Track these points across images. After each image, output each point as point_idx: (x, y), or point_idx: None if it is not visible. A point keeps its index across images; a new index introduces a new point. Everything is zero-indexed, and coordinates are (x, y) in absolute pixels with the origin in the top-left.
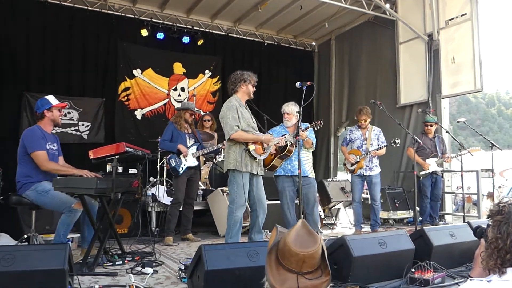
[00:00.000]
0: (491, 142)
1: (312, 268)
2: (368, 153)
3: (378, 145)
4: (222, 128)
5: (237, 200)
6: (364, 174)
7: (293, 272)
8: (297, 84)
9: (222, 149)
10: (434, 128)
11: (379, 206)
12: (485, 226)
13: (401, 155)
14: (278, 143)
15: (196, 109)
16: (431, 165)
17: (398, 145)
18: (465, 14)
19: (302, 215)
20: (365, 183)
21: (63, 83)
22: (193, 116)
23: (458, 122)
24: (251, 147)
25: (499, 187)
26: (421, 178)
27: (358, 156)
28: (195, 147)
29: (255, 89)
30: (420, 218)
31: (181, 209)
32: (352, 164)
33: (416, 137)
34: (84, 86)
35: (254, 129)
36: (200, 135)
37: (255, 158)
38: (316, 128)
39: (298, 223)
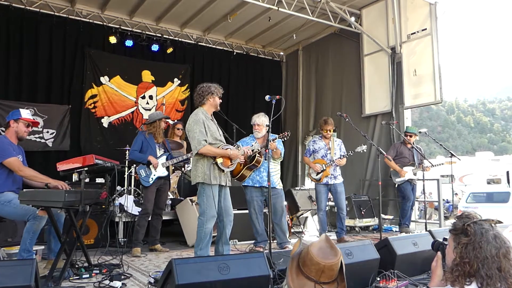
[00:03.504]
0: (450, 152)
1: (329, 279)
2: (332, 161)
3: (340, 155)
4: (189, 141)
5: (208, 211)
6: (329, 182)
7: (312, 280)
8: (267, 97)
9: (191, 158)
10: (414, 139)
11: (345, 214)
12: (441, 240)
13: (366, 164)
14: (246, 153)
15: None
16: (408, 172)
17: (364, 150)
18: (426, 29)
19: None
20: (329, 192)
21: (28, 89)
22: (166, 124)
23: (420, 132)
24: (219, 160)
25: (456, 194)
26: (396, 185)
27: (323, 165)
28: (164, 157)
29: (221, 100)
30: (394, 227)
31: (149, 219)
32: (318, 173)
33: (380, 149)
34: (50, 92)
35: (222, 142)
36: (169, 144)
37: (223, 171)
38: (283, 139)
39: (322, 236)
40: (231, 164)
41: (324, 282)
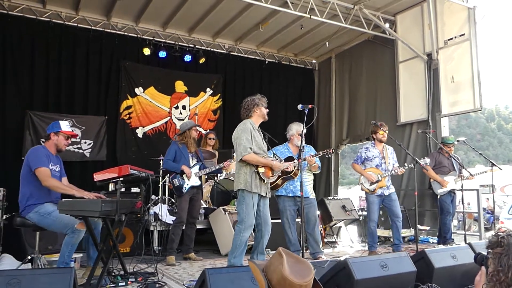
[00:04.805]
0: (491, 162)
1: None
2: (389, 171)
3: (393, 165)
4: (235, 148)
5: (246, 220)
6: (384, 193)
7: None
8: (299, 106)
9: (224, 169)
10: (453, 149)
11: (401, 223)
12: (485, 253)
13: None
14: (287, 168)
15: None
16: (450, 182)
17: (428, 164)
18: (464, 34)
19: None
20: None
21: (66, 101)
22: (197, 132)
23: (458, 141)
24: (261, 170)
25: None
26: (439, 196)
27: (379, 175)
28: (197, 166)
29: (267, 110)
30: (437, 239)
31: (183, 228)
32: (372, 183)
33: (416, 159)
34: (87, 104)
35: (265, 153)
36: (201, 153)
37: (264, 181)
38: (328, 156)
39: (279, 253)
40: (272, 176)
41: None
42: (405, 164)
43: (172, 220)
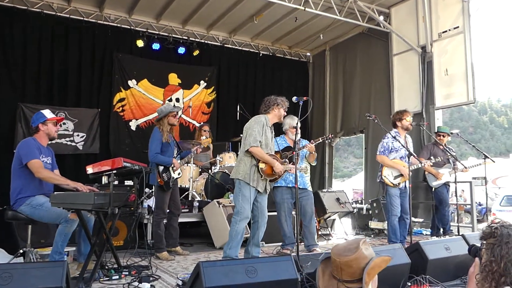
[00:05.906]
0: (484, 154)
1: (351, 277)
2: (422, 164)
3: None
4: (243, 138)
5: (242, 212)
6: (406, 186)
7: (335, 278)
8: (294, 98)
9: (218, 161)
10: (446, 140)
11: (410, 220)
12: (479, 245)
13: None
14: (290, 170)
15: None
16: (444, 175)
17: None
18: (458, 27)
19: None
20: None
21: (58, 93)
22: (176, 118)
23: (451, 133)
24: (261, 165)
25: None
26: (433, 188)
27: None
28: (178, 157)
29: (286, 113)
30: (430, 231)
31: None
32: (396, 177)
33: (412, 152)
34: (80, 96)
35: (271, 150)
36: (182, 143)
37: (261, 176)
38: (328, 141)
39: (357, 237)
40: (271, 174)
41: (347, 281)
42: (431, 157)
43: (155, 214)
